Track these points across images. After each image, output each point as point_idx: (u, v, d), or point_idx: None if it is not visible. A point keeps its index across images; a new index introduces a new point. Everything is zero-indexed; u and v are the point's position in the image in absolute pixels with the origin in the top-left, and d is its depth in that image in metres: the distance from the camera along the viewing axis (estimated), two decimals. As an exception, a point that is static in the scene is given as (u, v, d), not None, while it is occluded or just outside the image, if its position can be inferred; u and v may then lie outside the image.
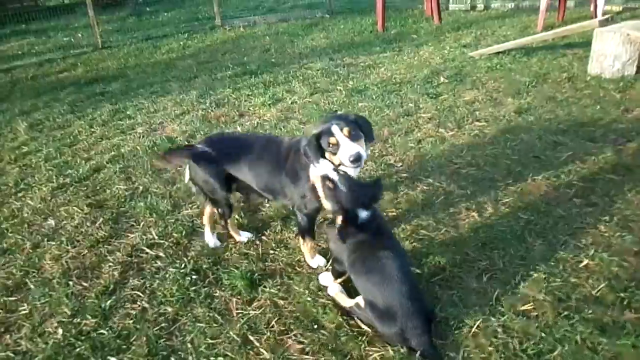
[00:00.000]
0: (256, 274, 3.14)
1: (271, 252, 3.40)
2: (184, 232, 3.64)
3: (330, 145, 2.78)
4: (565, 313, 2.68)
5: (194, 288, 3.06)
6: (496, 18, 10.83)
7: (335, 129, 2.78)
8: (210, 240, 3.48)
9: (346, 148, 2.73)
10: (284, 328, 2.73)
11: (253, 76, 7.47)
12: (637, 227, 3.36)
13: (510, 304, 2.78)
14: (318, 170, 2.83)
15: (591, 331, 2.55)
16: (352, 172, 2.79)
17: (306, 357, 2.53)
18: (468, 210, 3.69)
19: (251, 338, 2.68)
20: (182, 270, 3.22)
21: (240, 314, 2.85)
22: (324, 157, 2.85)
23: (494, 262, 3.13)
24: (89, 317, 2.90)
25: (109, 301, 3.01)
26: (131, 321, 2.85)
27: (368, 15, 11.71)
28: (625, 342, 2.46)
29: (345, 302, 2.76)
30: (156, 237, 3.61)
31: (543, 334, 2.55)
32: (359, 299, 2.64)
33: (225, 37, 10.58)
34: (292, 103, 6.25)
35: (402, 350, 2.48)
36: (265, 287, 3.04)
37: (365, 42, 9.45)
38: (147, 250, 3.48)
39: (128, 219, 3.92)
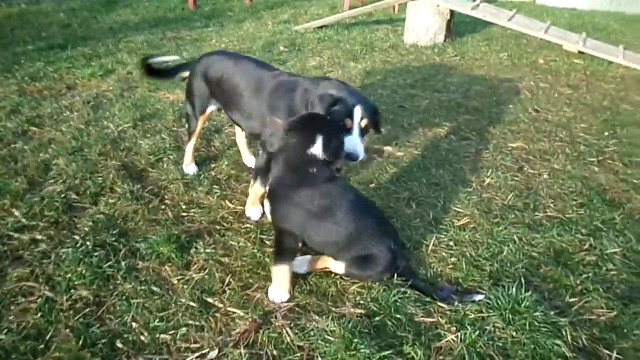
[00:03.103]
0: (183, 237, 2.68)
1: (184, 214, 2.93)
2: (60, 209, 2.90)
3: (342, 124, 2.44)
4: (495, 220, 2.92)
5: (107, 264, 2.46)
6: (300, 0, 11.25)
7: (358, 113, 2.43)
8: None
9: (353, 141, 2.42)
10: (242, 284, 2.38)
11: (64, 50, 6.37)
12: (509, 151, 3.85)
13: (448, 221, 2.92)
14: None
15: (522, 231, 2.82)
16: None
17: (284, 304, 2.25)
18: (368, 153, 3.75)
19: (210, 300, 2.27)
20: (80, 249, 2.55)
21: (182, 280, 2.39)
22: None
23: (414, 191, 3.24)
24: (-31, 325, 2.10)
25: (-10, 300, 2.23)
26: (37, 316, 2.15)
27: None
28: (551, 234, 2.78)
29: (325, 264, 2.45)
30: (23, 220, 2.80)
31: (489, 240, 2.73)
32: (332, 264, 2.40)
33: (5, 14, 8.80)
34: (128, 73, 5.52)
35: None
36: (197, 248, 2.61)
37: (181, 18, 8.88)
38: (17, 235, 2.67)
39: (-33, 207, 2.96)
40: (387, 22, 8.92)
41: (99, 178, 3.27)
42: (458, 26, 7.89)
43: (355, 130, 2.46)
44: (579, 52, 6.54)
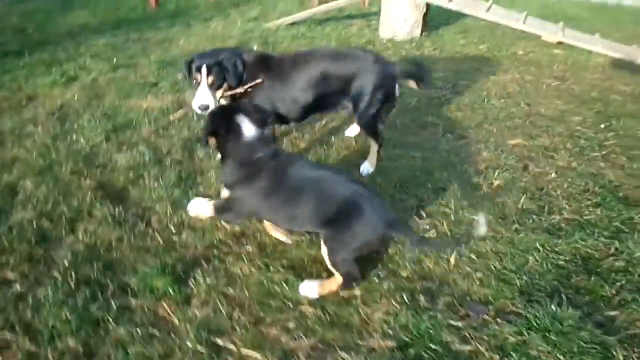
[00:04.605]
0: (178, 266, 2.38)
1: (175, 239, 2.63)
2: (32, 241, 2.56)
3: (195, 81, 2.96)
4: (514, 227, 2.74)
5: (95, 305, 2.15)
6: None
7: (203, 69, 2.91)
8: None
9: (199, 95, 2.92)
10: (253, 318, 2.12)
11: (21, 57, 5.88)
12: (510, 149, 3.69)
13: (465, 231, 2.71)
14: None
15: (544, 237, 2.64)
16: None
17: (305, 341, 1.99)
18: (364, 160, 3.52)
19: (219, 342, 2.00)
20: (62, 289, 2.23)
21: (184, 319, 2.11)
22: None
23: (421, 197, 3.04)
24: None
25: (-42, 359, 1.89)
26: (17, 375, 1.84)
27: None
28: (575, 239, 2.61)
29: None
30: (-9, 256, 2.45)
31: (512, 250, 2.54)
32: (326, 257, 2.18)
33: (-50, 19, 8.17)
34: (92, 80, 5.10)
35: (406, 298, 2.16)
36: (196, 278, 2.33)
37: (144, 19, 8.41)
38: (-16, 276, 2.33)
39: None
40: (359, 16, 8.68)
41: (74, 201, 2.92)
42: (432, 19, 7.71)
43: (202, 84, 2.93)
44: (558, 42, 6.47)
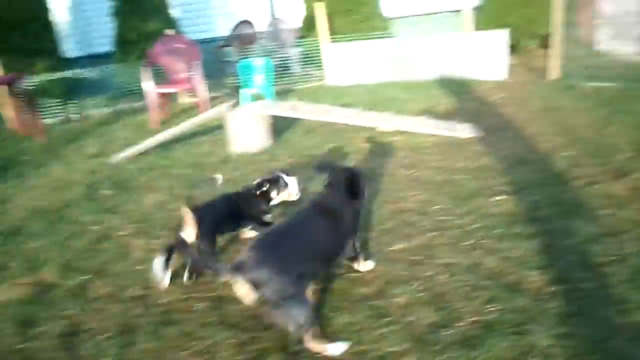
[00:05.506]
0: None
1: None
2: None
3: None
4: (434, 349, 2.84)
5: None
6: (102, 125, 10.46)
7: None
8: None
9: None
10: None
11: None
12: (395, 257, 3.89)
13: (394, 368, 2.75)
14: None
15: (463, 353, 2.79)
16: None
17: None
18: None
19: None
20: None
21: None
22: None
23: (344, 340, 3.02)
24: None
25: None
26: None
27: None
28: (491, 345, 2.81)
29: None
30: None
31: None
32: None
33: None
34: None
35: None
36: None
37: (-37, 178, 7.43)
38: None
39: None
40: (201, 133, 8.61)
41: None
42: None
43: None
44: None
